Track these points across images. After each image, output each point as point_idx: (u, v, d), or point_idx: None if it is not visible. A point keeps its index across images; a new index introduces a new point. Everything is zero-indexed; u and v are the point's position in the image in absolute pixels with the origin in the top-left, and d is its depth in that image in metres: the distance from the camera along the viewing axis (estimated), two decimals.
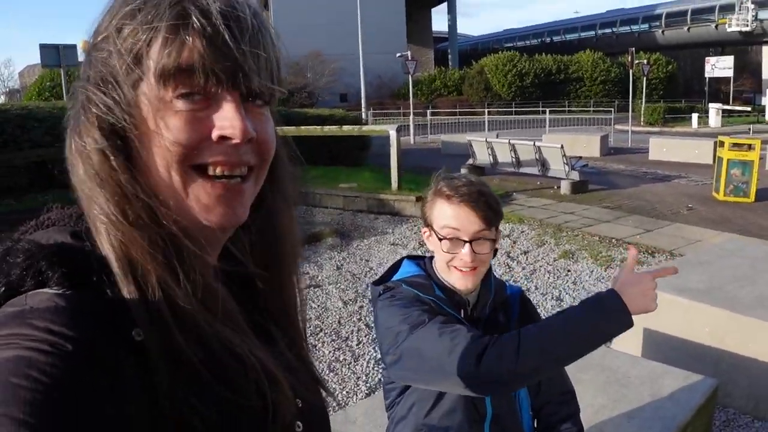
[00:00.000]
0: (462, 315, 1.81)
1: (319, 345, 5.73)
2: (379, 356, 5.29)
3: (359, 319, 6.27)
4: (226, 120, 0.71)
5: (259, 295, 0.87)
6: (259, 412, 0.74)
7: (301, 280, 0.94)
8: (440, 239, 1.76)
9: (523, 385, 1.77)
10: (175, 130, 0.69)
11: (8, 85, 63.18)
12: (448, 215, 1.76)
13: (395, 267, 1.95)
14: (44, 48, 14.82)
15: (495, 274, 1.95)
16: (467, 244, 1.73)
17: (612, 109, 31.59)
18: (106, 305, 0.63)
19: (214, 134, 0.71)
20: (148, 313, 0.66)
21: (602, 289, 5.58)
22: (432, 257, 1.91)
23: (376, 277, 1.96)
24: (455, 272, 1.77)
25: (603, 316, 1.52)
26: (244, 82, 0.72)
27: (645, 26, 63.00)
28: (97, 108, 0.70)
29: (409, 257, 1.99)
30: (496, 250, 1.92)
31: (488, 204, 1.76)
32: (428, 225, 1.84)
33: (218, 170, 0.72)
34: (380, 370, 5.05)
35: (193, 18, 0.68)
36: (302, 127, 14.23)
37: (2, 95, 59.66)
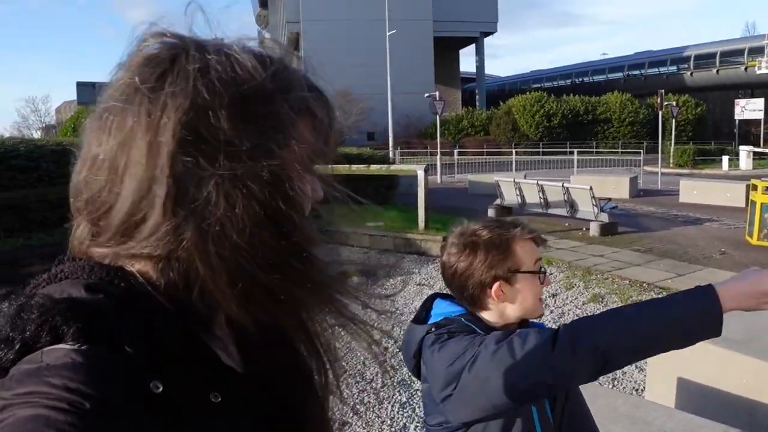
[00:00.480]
0: None
1: (343, 387, 5.64)
2: (404, 399, 5.20)
3: (384, 361, 6.19)
4: (318, 186, 0.85)
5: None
6: None
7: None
8: (541, 273, 1.80)
9: (599, 370, 1.52)
10: (307, 202, 0.81)
11: (45, 120, 64.76)
12: (533, 254, 1.80)
13: (428, 304, 1.88)
14: (81, 85, 15.25)
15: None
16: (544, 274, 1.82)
17: (641, 151, 31.41)
18: (122, 359, 0.63)
19: (317, 198, 0.84)
20: None
21: None
22: (468, 311, 1.80)
23: (402, 318, 1.93)
24: (539, 304, 1.82)
25: (688, 310, 1.42)
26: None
27: (673, 68, 62.98)
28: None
29: (440, 295, 1.92)
30: None
31: (533, 230, 1.85)
32: (508, 273, 1.76)
33: None
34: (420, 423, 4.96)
35: (329, 105, 0.86)
36: (329, 167, 14.30)
37: (39, 130, 61.11)
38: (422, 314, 1.86)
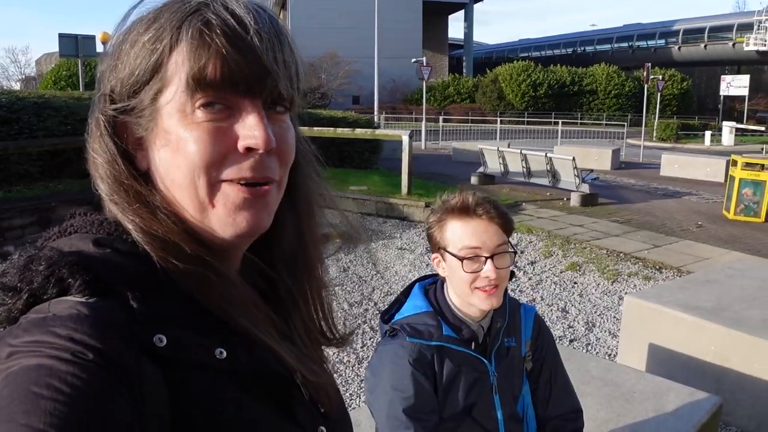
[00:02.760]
0: (473, 347, 1.81)
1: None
2: None
3: (364, 322, 6.28)
4: (249, 129, 0.71)
5: (282, 303, 0.87)
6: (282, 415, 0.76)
7: (327, 285, 0.99)
8: (461, 260, 1.71)
9: None
10: (201, 142, 0.70)
11: (24, 72, 63.55)
12: (466, 233, 1.71)
13: (405, 293, 1.93)
14: (63, 37, 14.94)
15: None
16: (489, 261, 1.69)
17: (625, 123, 31.51)
18: (127, 312, 0.63)
19: (240, 145, 0.71)
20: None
21: (608, 303, 5.59)
22: (443, 281, 1.87)
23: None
24: (479, 294, 1.72)
25: None
26: (269, 89, 0.72)
27: (662, 42, 62.88)
28: (111, 117, 0.73)
29: (421, 280, 1.97)
30: (513, 273, 1.90)
31: (502, 213, 1.74)
32: (440, 249, 1.78)
33: (244, 180, 0.73)
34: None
35: (216, 24, 0.69)
36: (314, 128, 14.26)
37: (18, 82, 59.99)
38: (395, 305, 1.92)
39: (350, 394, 4.82)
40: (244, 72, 0.70)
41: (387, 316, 1.89)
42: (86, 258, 0.66)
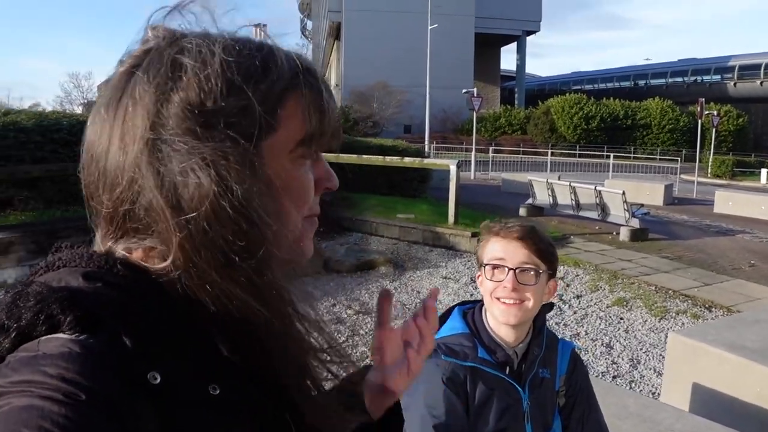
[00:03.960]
0: (507, 372, 1.85)
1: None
2: None
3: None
4: (330, 174, 0.81)
5: None
6: None
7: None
8: (484, 266, 1.82)
9: None
10: (307, 185, 0.77)
11: (87, 96, 65.83)
12: (496, 247, 1.82)
13: (445, 315, 1.98)
14: None
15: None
16: (511, 272, 1.77)
17: (678, 159, 31.01)
18: (120, 349, 0.61)
19: (322, 186, 0.80)
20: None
21: (654, 340, 5.49)
22: (482, 305, 1.93)
23: None
24: (498, 305, 1.79)
25: None
26: (339, 141, 0.81)
27: (717, 77, 61.86)
28: (240, 156, 0.68)
29: (462, 304, 2.03)
30: (552, 305, 1.96)
31: (537, 238, 1.82)
32: (480, 266, 1.88)
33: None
34: None
35: (323, 85, 0.77)
36: (364, 156, 14.43)
37: (81, 106, 62.15)
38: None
39: None
40: (333, 129, 0.79)
41: None
42: (76, 293, 0.64)
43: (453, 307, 2.01)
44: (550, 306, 1.94)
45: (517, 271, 1.77)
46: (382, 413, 0.96)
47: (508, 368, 1.84)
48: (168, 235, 0.67)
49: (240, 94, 0.69)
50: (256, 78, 0.71)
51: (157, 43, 0.72)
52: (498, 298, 1.79)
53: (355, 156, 14.37)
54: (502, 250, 1.80)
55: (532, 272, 1.78)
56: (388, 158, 14.61)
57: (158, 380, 0.62)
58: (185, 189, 0.66)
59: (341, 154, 14.29)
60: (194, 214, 0.66)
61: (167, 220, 0.67)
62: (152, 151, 0.67)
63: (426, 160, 16.06)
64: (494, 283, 1.79)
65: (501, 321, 1.82)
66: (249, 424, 0.71)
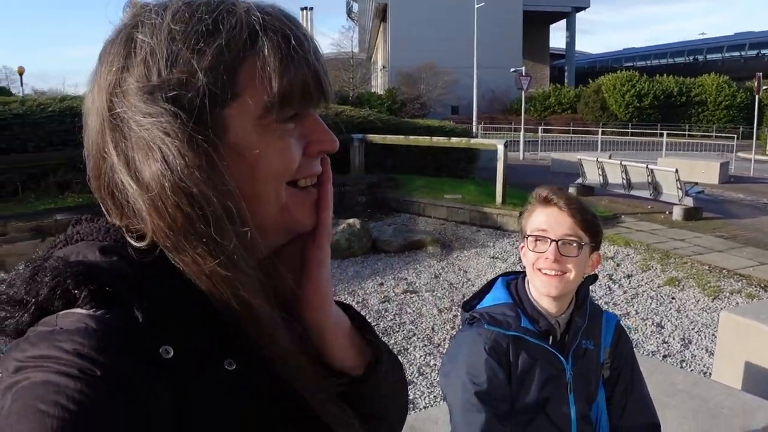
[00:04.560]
0: (550, 342, 1.86)
1: (411, 349, 5.83)
2: None
3: (452, 327, 6.33)
4: (323, 134, 0.75)
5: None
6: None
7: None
8: (527, 236, 1.83)
9: None
10: (282, 152, 0.71)
11: None
12: (540, 218, 1.82)
13: (488, 286, 2.00)
14: None
15: (594, 296, 1.96)
16: (553, 243, 1.77)
17: (735, 136, 30.17)
18: (134, 324, 0.62)
19: (315, 149, 0.75)
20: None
21: (706, 320, 5.43)
22: (525, 275, 1.94)
23: (473, 288, 2.03)
24: (540, 276, 1.80)
25: None
26: (327, 99, 0.76)
27: None
28: (179, 130, 0.66)
29: (505, 274, 2.04)
30: (596, 276, 1.96)
31: (581, 210, 1.82)
32: (524, 237, 1.88)
33: (308, 181, 0.76)
34: None
35: (295, 39, 0.71)
36: (411, 137, 14.41)
37: None
38: (477, 295, 2.00)
39: (434, 396, 4.88)
40: (319, 85, 0.74)
41: (468, 306, 1.97)
42: (92, 267, 0.64)
43: (496, 278, 2.03)
44: (593, 278, 1.95)
45: (559, 242, 1.77)
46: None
47: (551, 338, 1.85)
48: (142, 214, 0.67)
49: (185, 64, 0.66)
50: (203, 44, 0.67)
51: (122, 20, 0.71)
52: (540, 269, 1.80)
53: (402, 137, 14.37)
54: (545, 221, 1.81)
55: (574, 244, 1.78)
56: (434, 139, 14.57)
57: (171, 354, 0.63)
58: (144, 167, 0.66)
59: (388, 136, 14.31)
60: (154, 192, 0.65)
61: (136, 200, 0.66)
62: (113, 129, 0.68)
63: (473, 140, 15.97)
64: (536, 254, 1.80)
65: (542, 292, 1.82)
66: (266, 402, 0.71)
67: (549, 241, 1.78)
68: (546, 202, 1.83)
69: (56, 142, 10.96)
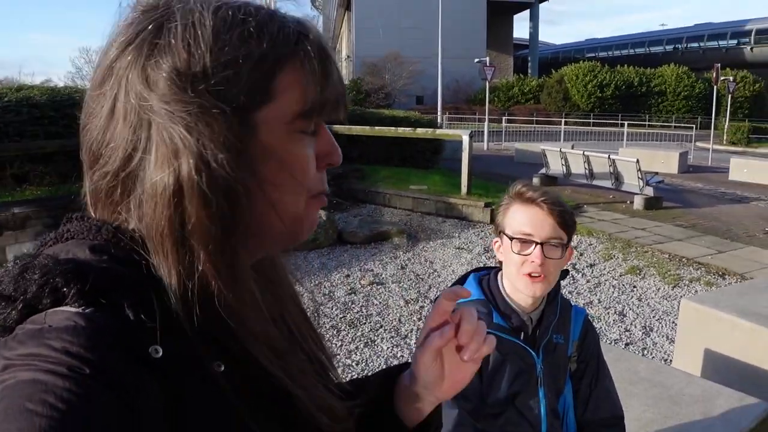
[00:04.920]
0: (522, 338, 1.88)
1: (378, 341, 5.85)
2: None
3: (419, 319, 6.36)
4: (332, 148, 0.77)
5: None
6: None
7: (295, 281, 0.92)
8: (511, 239, 1.81)
9: None
10: (306, 161, 0.73)
11: None
12: (523, 218, 1.81)
13: (461, 282, 2.01)
14: None
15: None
16: (538, 247, 1.77)
17: (694, 126, 30.73)
18: (123, 323, 0.61)
19: (323, 163, 0.76)
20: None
21: (667, 308, 5.49)
22: (498, 270, 1.97)
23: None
24: (524, 279, 1.80)
25: None
26: (344, 114, 0.78)
27: (733, 42, 60.93)
28: (216, 124, 0.65)
29: (476, 270, 2.05)
30: (567, 272, 1.98)
31: (562, 211, 1.82)
32: (500, 232, 1.88)
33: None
34: None
35: (328, 53, 0.73)
36: (376, 128, 14.40)
37: None
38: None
39: None
40: (335, 100, 0.75)
41: None
42: (82, 266, 0.64)
43: (468, 274, 2.04)
44: (564, 273, 1.97)
45: (544, 245, 1.78)
46: (421, 420, 0.92)
47: (522, 334, 1.87)
48: (149, 209, 0.66)
49: (230, 61, 0.66)
50: (249, 45, 0.67)
51: (146, 8, 0.69)
52: (524, 272, 1.80)
53: (367, 128, 14.34)
54: (528, 222, 1.80)
55: (557, 245, 1.80)
56: (400, 129, 14.58)
57: (160, 354, 0.62)
58: (168, 161, 0.65)
59: (353, 126, 14.26)
60: (174, 188, 0.64)
61: (151, 194, 0.65)
62: (135, 118, 0.66)
63: (438, 131, 16.00)
64: (521, 257, 1.79)
65: (527, 294, 1.83)
66: (256, 404, 0.71)
67: (533, 243, 1.78)
68: (527, 201, 1.82)
69: (12, 133, 10.64)
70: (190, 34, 0.66)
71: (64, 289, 0.61)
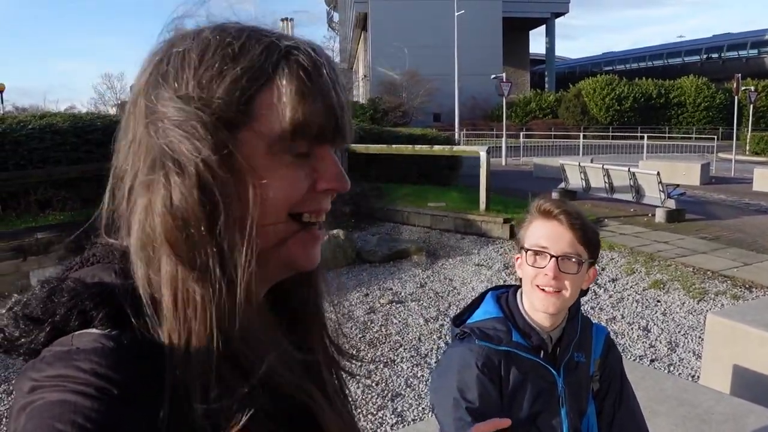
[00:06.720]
0: (542, 356, 1.82)
1: (398, 360, 5.78)
2: None
3: (439, 337, 6.29)
4: (333, 173, 0.74)
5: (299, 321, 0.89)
6: None
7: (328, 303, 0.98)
8: (526, 250, 1.76)
9: None
10: (287, 183, 0.71)
11: (120, 97, 66.86)
12: (541, 231, 1.77)
13: (479, 300, 1.96)
14: None
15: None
16: (553, 260, 1.72)
17: (715, 137, 30.40)
18: (149, 345, 0.63)
19: (322, 187, 0.74)
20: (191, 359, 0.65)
21: (692, 322, 5.40)
22: (517, 288, 1.91)
23: (458, 297, 1.99)
24: (537, 292, 1.76)
25: None
26: (344, 137, 0.75)
27: (754, 52, 60.31)
28: (185, 154, 0.67)
29: (495, 288, 2.00)
30: (587, 290, 1.92)
31: (583, 226, 1.77)
32: (521, 248, 1.83)
33: (312, 217, 0.75)
34: None
35: (314, 72, 0.70)
36: (393, 146, 14.41)
37: (114, 107, 63.10)
38: (467, 310, 1.96)
39: (422, 408, 4.83)
40: (332, 124, 0.73)
41: (458, 320, 1.93)
42: (109, 289, 0.65)
43: (486, 292, 1.99)
44: (584, 291, 1.90)
45: (559, 259, 1.73)
46: None
47: (542, 352, 1.82)
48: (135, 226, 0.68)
49: (206, 84, 0.67)
50: (225, 68, 0.68)
51: (159, 45, 0.73)
52: (538, 286, 1.75)
53: (385, 146, 14.35)
54: (545, 236, 1.76)
55: (574, 260, 1.74)
56: (417, 147, 14.57)
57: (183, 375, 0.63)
58: (160, 177, 0.67)
59: (371, 145, 14.28)
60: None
61: (140, 211, 0.68)
62: (140, 143, 0.69)
63: (455, 148, 16.00)
64: (535, 270, 1.75)
65: (539, 309, 1.78)
66: (274, 423, 0.70)
67: (549, 256, 1.73)
68: (547, 215, 1.78)
69: (36, 159, 10.86)
70: (179, 60, 0.69)
71: (93, 312, 0.63)
